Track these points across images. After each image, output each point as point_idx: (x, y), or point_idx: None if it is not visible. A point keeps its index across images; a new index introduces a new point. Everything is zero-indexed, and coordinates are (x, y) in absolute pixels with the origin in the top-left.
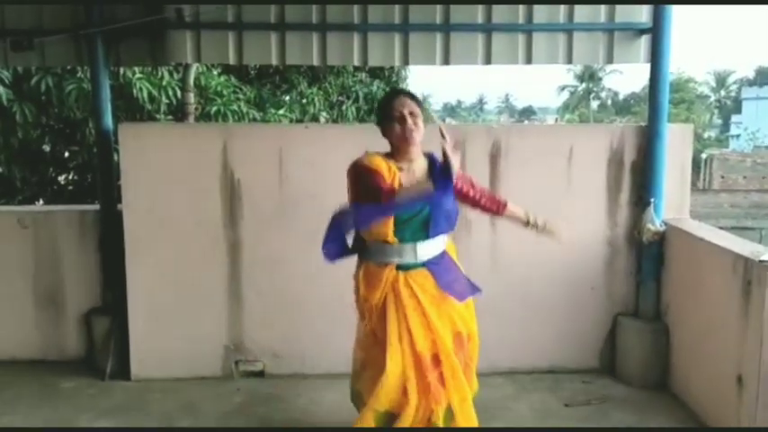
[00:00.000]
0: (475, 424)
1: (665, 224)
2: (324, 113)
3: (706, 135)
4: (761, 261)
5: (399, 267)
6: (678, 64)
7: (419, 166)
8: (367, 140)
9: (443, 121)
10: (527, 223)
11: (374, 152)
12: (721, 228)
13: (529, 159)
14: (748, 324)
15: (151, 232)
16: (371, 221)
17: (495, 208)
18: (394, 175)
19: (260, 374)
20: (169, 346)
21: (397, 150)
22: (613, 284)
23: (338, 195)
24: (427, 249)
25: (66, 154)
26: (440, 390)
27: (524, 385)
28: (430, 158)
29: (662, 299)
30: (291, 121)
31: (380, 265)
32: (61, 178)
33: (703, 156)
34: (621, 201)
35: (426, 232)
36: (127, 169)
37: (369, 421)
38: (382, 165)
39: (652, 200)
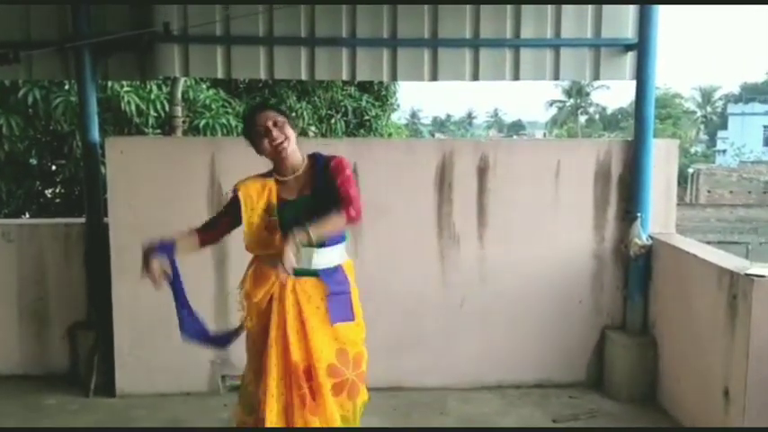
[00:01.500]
0: None
1: (652, 238)
2: (313, 127)
3: (693, 150)
4: (746, 275)
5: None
6: (664, 80)
7: (302, 172)
8: (354, 155)
9: (432, 135)
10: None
11: (258, 174)
12: (708, 242)
13: (516, 174)
14: (734, 337)
15: (137, 246)
16: None
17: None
18: (269, 191)
19: None
20: (155, 362)
21: (276, 162)
22: (601, 298)
23: None
24: (322, 258)
25: (53, 167)
26: (311, 403)
27: (512, 400)
28: (314, 160)
29: (649, 312)
30: None
31: (273, 266)
32: (48, 191)
33: (690, 170)
34: (608, 215)
35: (323, 240)
36: (113, 183)
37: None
38: (249, 184)
39: (639, 214)
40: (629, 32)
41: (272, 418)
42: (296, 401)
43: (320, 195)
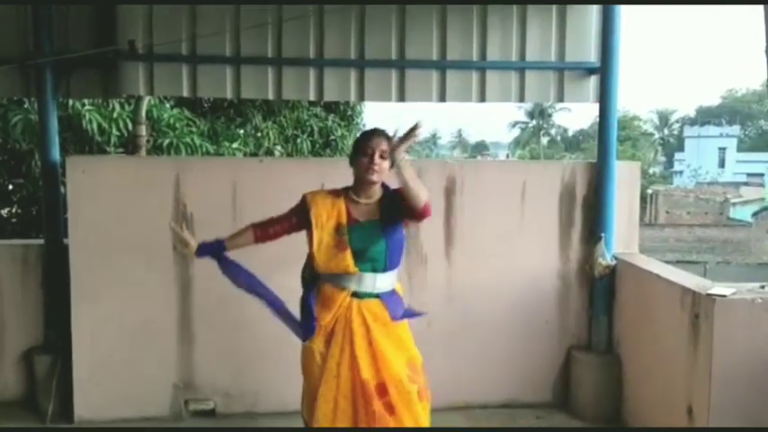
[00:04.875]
0: None
1: (616, 258)
2: (278, 147)
3: (651, 171)
4: (708, 294)
5: (355, 295)
6: (623, 103)
7: (375, 200)
8: (321, 174)
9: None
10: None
11: (330, 189)
12: (667, 261)
13: (483, 194)
14: (697, 356)
15: (98, 267)
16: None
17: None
18: (338, 211)
19: (211, 414)
20: (115, 386)
21: (359, 183)
22: (566, 318)
23: None
24: (384, 282)
25: (10, 186)
26: (386, 417)
27: (479, 421)
28: (385, 190)
29: (614, 332)
30: (246, 154)
31: (337, 288)
32: (4, 211)
33: (649, 191)
34: (573, 236)
35: (385, 264)
36: (74, 203)
37: None
38: (320, 201)
39: (603, 235)
40: (591, 57)
41: None
42: (364, 418)
43: (387, 221)
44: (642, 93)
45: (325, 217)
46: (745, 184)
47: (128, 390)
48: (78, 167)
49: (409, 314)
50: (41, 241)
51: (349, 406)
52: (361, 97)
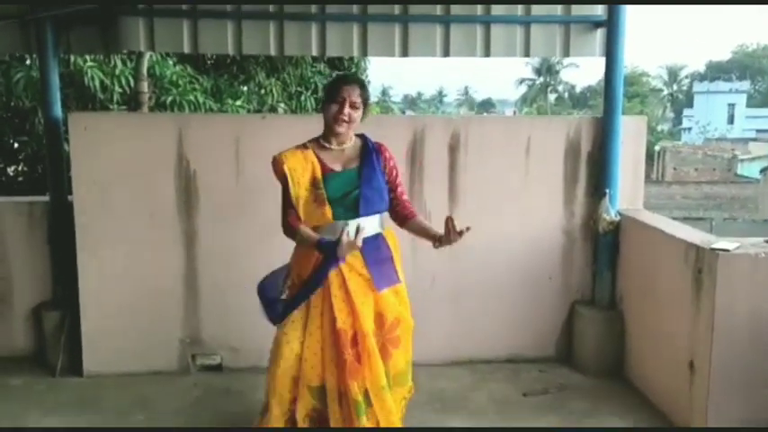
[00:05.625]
0: (391, 413)
1: (620, 214)
2: (282, 104)
3: (659, 128)
4: (711, 249)
5: None
6: (632, 58)
7: (350, 146)
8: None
9: (403, 113)
10: (434, 240)
11: (295, 146)
12: (674, 218)
13: (488, 150)
14: (699, 311)
15: (103, 224)
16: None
17: (406, 212)
18: (312, 164)
19: (217, 368)
20: (123, 340)
21: (329, 130)
22: (570, 274)
23: None
24: (354, 229)
25: (15, 144)
26: (356, 366)
27: (483, 375)
28: (363, 140)
29: (617, 287)
30: (249, 111)
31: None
32: (10, 169)
33: (657, 148)
34: (578, 191)
35: (357, 211)
36: (78, 160)
37: (306, 398)
38: (290, 156)
39: (607, 190)
40: (598, 9)
41: (332, 380)
42: (341, 367)
43: (365, 171)
44: (651, 48)
45: (300, 171)
46: (754, 140)
47: (135, 344)
48: (81, 124)
49: (381, 282)
50: (47, 198)
51: (332, 351)
52: (364, 52)
